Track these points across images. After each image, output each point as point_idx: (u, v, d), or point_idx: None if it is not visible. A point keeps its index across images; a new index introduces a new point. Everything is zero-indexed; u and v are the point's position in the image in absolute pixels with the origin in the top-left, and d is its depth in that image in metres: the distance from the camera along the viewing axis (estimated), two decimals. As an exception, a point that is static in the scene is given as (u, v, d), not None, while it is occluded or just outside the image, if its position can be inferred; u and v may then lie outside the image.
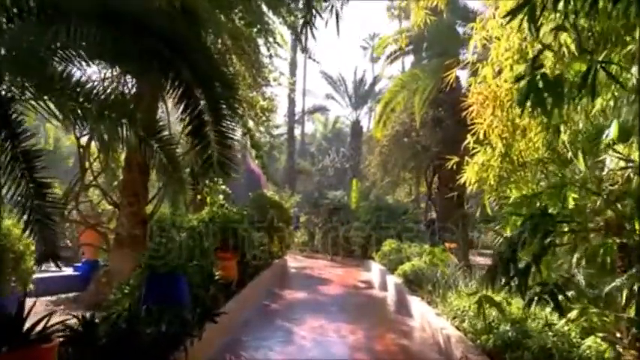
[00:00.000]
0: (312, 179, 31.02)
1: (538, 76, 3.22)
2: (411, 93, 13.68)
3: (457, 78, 16.46)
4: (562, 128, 4.98)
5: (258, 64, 10.43)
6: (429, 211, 18.97)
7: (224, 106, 5.39)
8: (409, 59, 21.39)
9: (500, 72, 5.42)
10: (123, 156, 8.99)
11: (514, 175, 5.83)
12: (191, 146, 5.79)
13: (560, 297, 3.26)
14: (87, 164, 9.32)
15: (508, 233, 4.46)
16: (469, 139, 5.90)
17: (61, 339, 3.64)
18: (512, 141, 5.75)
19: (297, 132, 38.88)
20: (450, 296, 6.82)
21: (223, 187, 9.23)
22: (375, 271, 12.31)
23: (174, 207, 8.06)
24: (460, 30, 14.96)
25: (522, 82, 3.32)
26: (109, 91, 6.21)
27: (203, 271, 6.03)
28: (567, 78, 3.45)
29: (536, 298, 3.28)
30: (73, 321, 3.94)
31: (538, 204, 4.03)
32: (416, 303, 7.23)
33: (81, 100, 5.61)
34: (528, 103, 3.16)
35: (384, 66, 15.67)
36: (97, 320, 4.11)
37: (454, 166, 14.74)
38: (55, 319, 3.49)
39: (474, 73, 5.93)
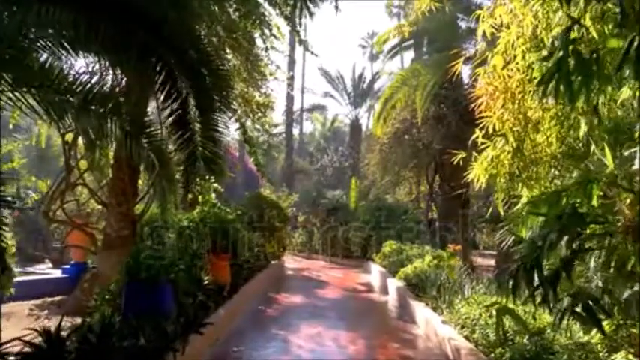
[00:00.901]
0: (310, 179, 30.58)
1: (569, 53, 2.77)
2: (411, 89, 13.26)
3: (459, 74, 16.12)
4: (582, 120, 4.55)
5: (254, 57, 9.98)
6: (430, 211, 18.60)
7: (211, 97, 4.96)
8: (408, 57, 21.03)
9: (509, 62, 5.02)
10: (112, 153, 8.56)
11: (526, 172, 5.42)
12: (174, 140, 5.38)
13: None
14: (74, 162, 8.85)
15: (525, 235, 4.03)
16: (477, 133, 5.49)
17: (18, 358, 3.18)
18: (524, 135, 5.33)
19: (295, 132, 38.53)
20: (456, 302, 6.38)
21: (216, 185, 8.75)
22: (375, 273, 11.86)
23: (162, 206, 7.59)
24: (462, 24, 14.56)
25: (551, 60, 2.88)
26: (92, 83, 5.82)
27: (190, 276, 5.57)
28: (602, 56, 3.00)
29: (566, 311, 2.83)
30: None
31: (564, 202, 3.58)
32: (420, 309, 6.78)
33: (62, 91, 5.20)
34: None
35: (384, 60, 15.27)
36: (65, 333, 3.65)
37: (457, 164, 14.17)
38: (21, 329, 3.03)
39: (482, 63, 5.51)
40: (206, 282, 5.70)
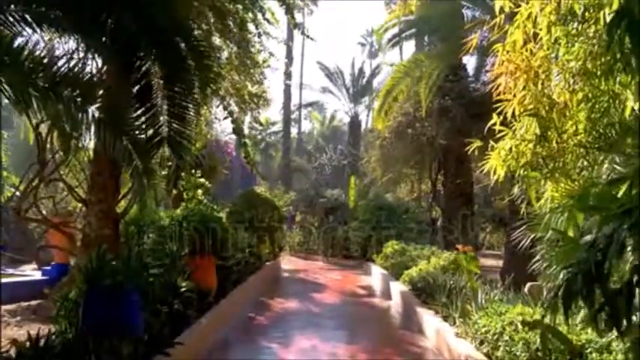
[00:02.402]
0: (308, 177, 29.81)
1: None
2: (414, 80, 12.52)
3: (464, 66, 15.39)
4: (629, 95, 3.88)
5: (246, 42, 9.23)
6: (432, 210, 17.94)
7: (180, 68, 4.22)
8: (408, 51, 20.36)
9: (530, 40, 4.24)
10: (92, 144, 7.83)
11: (552, 162, 4.73)
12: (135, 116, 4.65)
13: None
14: (49, 154, 8.08)
15: (570, 233, 3.27)
16: (494, 119, 4.82)
17: None
18: (548, 121, 4.65)
19: (294, 131, 37.86)
20: (469, 310, 5.65)
21: (202, 180, 8.00)
22: (376, 275, 11.12)
23: (141, 203, 6.85)
24: (468, 13, 13.80)
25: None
26: (60, 64, 5.20)
27: (166, 282, 4.82)
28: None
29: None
30: None
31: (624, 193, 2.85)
32: (428, 318, 6.03)
33: (26, 71, 4.58)
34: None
35: (385, 50, 14.48)
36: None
37: (462, 160, 13.37)
38: None
39: (500, 40, 4.84)
40: (184, 288, 4.94)
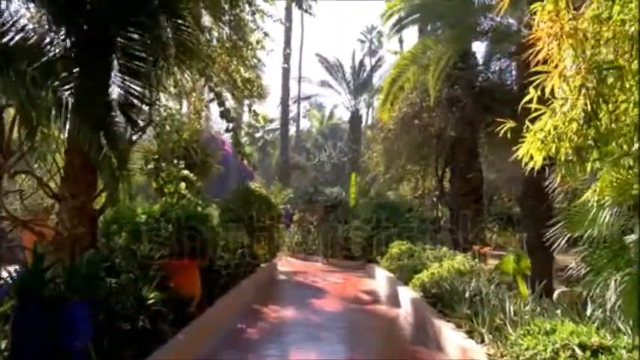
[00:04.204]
0: (307, 175, 28.85)
1: None
2: (422, 68, 11.60)
3: (473, 54, 14.48)
4: None
5: (237, 20, 8.30)
6: (437, 208, 17.06)
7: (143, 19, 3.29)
8: (410, 42, 19.38)
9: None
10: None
11: (603, 146, 3.90)
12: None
13: None
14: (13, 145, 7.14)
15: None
16: (532, 93, 3.99)
17: None
18: (598, 97, 3.79)
19: (292, 129, 36.96)
20: (497, 323, 4.74)
21: (186, 172, 7.06)
22: (380, 278, 10.18)
23: (113, 196, 5.92)
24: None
25: None
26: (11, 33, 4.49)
27: (130, 292, 3.88)
28: None
29: None
30: None
31: None
32: (448, 332, 5.09)
33: None
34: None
35: (389, 35, 13.48)
36: None
37: (472, 154, 12.24)
38: None
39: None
40: (152, 300, 3.99)
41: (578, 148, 3.97)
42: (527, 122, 4.22)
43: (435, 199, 19.84)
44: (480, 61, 13.67)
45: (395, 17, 12.09)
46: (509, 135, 4.37)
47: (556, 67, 3.89)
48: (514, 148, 4.23)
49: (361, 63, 28.89)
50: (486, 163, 14.46)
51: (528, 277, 6.90)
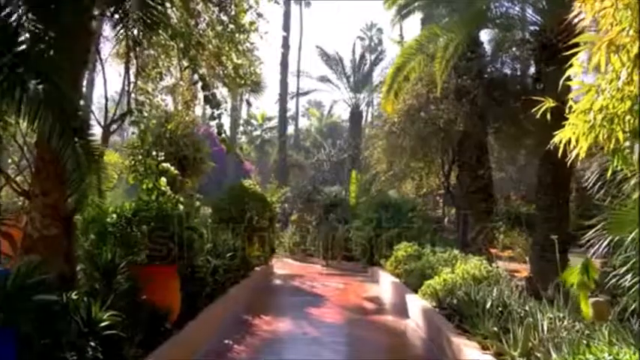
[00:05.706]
0: (306, 174, 28.02)
1: None
2: (428, 57, 10.80)
3: (481, 43, 13.68)
4: None
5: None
6: (443, 207, 16.33)
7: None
8: (411, 33, 18.54)
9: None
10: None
11: None
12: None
13: None
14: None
15: None
16: (575, 66, 3.29)
17: None
18: None
19: (291, 128, 36.16)
20: (535, 344, 3.95)
21: (167, 165, 6.23)
22: (385, 284, 9.37)
23: (79, 193, 5.11)
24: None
25: None
26: None
27: (70, 314, 3.06)
28: None
29: None
30: None
31: None
32: (472, 354, 4.28)
33: None
34: None
35: (393, 22, 12.66)
36: None
37: (482, 148, 11.44)
38: None
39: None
40: (105, 322, 3.16)
41: (633, 132, 3.30)
42: (570, 101, 3.49)
43: (438, 198, 19.06)
44: (489, 51, 12.91)
45: (400, 1, 11.29)
46: (548, 117, 3.62)
47: (607, 32, 3.19)
48: (555, 133, 3.47)
49: (362, 56, 28.00)
50: (492, 160, 13.73)
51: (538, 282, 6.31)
